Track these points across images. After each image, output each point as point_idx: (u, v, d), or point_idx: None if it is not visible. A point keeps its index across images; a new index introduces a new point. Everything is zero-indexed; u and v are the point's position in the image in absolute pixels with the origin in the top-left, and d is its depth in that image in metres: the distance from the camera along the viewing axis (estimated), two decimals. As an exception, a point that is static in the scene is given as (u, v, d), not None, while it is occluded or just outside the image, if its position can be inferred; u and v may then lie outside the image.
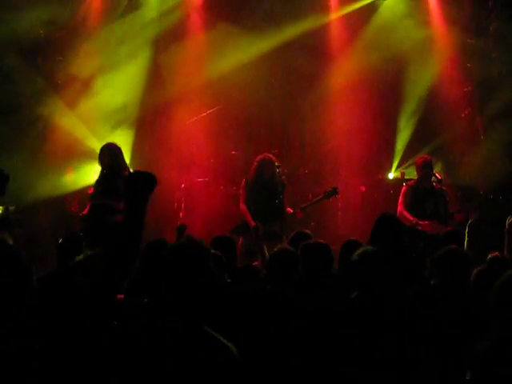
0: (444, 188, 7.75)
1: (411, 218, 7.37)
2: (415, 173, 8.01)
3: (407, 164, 10.18)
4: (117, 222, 6.58)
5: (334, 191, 7.90)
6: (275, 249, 4.48)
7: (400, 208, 7.60)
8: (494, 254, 5.36)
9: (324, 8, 10.54)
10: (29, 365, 2.98)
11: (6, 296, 3.15)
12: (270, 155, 7.80)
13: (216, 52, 10.09)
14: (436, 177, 7.74)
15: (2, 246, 3.79)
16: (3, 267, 3.27)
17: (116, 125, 9.75)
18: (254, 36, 10.08)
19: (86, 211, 7.32)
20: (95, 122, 9.63)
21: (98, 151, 7.46)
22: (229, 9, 10.37)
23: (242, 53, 9.95)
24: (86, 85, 9.68)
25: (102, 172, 7.31)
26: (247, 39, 10.02)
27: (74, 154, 9.45)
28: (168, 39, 10.27)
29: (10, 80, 8.96)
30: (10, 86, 8.89)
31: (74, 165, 9.39)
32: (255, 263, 6.22)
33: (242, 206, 7.65)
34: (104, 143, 7.53)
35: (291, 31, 10.19)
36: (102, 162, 7.27)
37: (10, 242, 5.59)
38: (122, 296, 4.53)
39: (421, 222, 7.37)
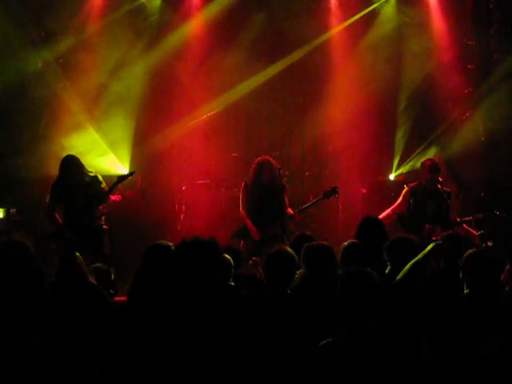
0: (447, 189, 7.65)
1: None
2: (416, 171, 7.96)
3: (406, 163, 10.21)
4: None
5: (334, 191, 7.66)
6: (271, 250, 4.35)
7: (390, 209, 7.64)
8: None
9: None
10: (41, 362, 3.01)
11: (19, 296, 3.19)
12: (269, 157, 7.69)
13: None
14: (438, 180, 7.70)
15: (21, 249, 3.75)
16: (19, 269, 3.30)
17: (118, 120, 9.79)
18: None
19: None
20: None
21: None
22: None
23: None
24: (86, 82, 9.71)
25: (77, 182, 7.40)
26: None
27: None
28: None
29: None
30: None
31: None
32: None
33: (242, 211, 7.56)
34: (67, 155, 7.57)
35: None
36: (78, 173, 7.41)
37: None
38: (123, 298, 4.55)
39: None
